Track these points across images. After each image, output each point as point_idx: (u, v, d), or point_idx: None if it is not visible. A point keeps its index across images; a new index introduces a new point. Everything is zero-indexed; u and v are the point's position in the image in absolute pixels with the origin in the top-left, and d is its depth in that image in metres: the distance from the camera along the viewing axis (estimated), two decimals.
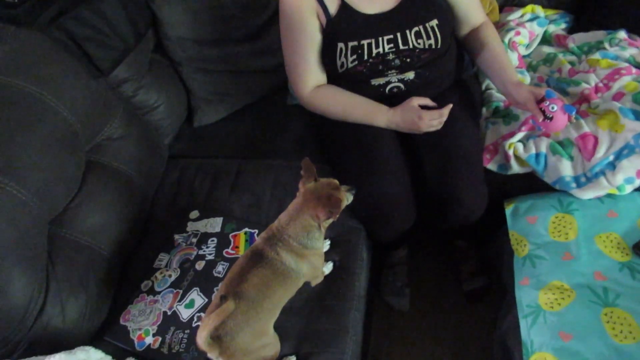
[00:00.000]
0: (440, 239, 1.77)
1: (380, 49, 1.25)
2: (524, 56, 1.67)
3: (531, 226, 1.25)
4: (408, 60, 1.28)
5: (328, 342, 1.11)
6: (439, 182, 1.29)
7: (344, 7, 1.22)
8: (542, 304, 1.10)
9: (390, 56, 1.26)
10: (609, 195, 1.24)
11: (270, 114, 1.70)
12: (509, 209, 1.31)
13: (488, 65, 1.36)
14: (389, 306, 1.66)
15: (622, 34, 1.54)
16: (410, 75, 1.31)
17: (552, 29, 1.71)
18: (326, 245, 1.28)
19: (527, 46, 1.70)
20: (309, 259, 1.09)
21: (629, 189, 1.23)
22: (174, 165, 1.58)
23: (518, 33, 1.64)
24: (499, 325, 1.23)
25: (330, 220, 1.07)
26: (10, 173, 1.05)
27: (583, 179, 1.25)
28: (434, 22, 1.24)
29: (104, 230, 1.27)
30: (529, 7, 1.72)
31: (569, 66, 1.53)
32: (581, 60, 1.55)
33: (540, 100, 1.22)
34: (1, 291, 0.99)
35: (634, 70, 1.40)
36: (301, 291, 1.14)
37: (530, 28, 1.68)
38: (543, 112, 1.20)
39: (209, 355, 0.99)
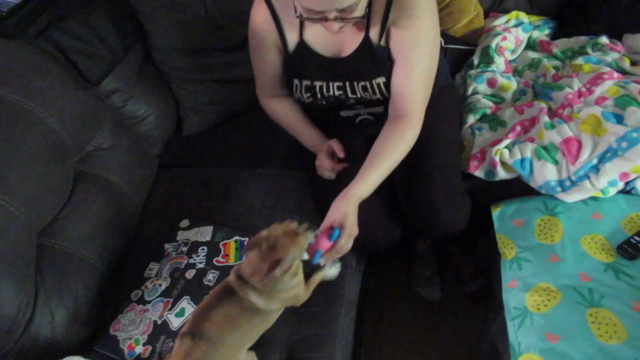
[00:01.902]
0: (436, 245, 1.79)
1: (331, 93, 1.25)
2: (510, 61, 1.70)
3: (517, 229, 1.26)
4: (366, 102, 1.27)
5: (317, 347, 1.12)
6: (415, 197, 1.28)
7: (302, 45, 1.22)
8: (529, 306, 1.11)
9: (343, 98, 1.27)
10: (593, 198, 1.26)
11: (259, 123, 1.69)
12: (495, 213, 1.33)
13: (370, 152, 1.19)
14: (421, 298, 1.69)
15: (603, 39, 1.57)
16: (380, 109, 1.30)
17: (536, 34, 1.74)
18: (336, 267, 1.24)
19: (513, 51, 1.72)
20: (283, 295, 1.06)
21: (612, 191, 1.24)
22: (164, 175, 1.59)
23: (504, 38, 1.67)
24: (488, 327, 1.24)
25: (295, 264, 1.03)
26: None
27: (568, 183, 1.26)
28: (381, 80, 1.21)
29: (93, 240, 1.27)
30: (514, 13, 1.75)
31: (553, 71, 1.56)
32: (565, 65, 1.58)
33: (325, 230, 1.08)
34: None
35: (615, 74, 1.42)
36: (277, 335, 1.12)
37: (516, 33, 1.71)
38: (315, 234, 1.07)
39: None
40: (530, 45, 1.75)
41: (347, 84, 1.24)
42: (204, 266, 1.28)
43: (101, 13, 1.42)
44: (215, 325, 1.00)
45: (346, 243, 1.08)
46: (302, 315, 1.18)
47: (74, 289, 1.18)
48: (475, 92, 1.58)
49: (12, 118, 1.15)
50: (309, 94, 1.27)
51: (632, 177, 1.22)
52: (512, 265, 1.21)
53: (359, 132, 1.35)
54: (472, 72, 1.63)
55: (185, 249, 1.33)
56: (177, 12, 1.53)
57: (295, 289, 1.08)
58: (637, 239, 1.15)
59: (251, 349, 1.08)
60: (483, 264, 1.64)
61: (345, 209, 1.07)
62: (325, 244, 1.05)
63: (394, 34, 1.16)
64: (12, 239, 1.06)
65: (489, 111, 1.51)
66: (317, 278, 1.18)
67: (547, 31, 1.75)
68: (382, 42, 1.17)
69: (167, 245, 1.35)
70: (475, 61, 1.67)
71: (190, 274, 1.27)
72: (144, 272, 1.30)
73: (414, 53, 1.16)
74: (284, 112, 1.36)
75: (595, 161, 1.25)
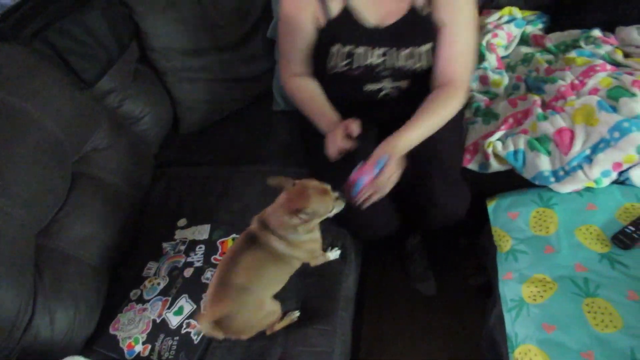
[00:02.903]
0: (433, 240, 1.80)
1: (372, 60, 1.27)
2: (502, 57, 1.71)
3: (513, 222, 1.27)
4: (398, 73, 1.30)
5: (315, 342, 1.12)
6: (415, 187, 1.30)
7: (346, 13, 1.24)
8: (525, 297, 1.11)
9: (380, 68, 1.28)
10: (588, 189, 1.27)
11: (256, 121, 1.72)
12: (490, 206, 1.33)
13: (418, 110, 1.24)
14: (420, 294, 1.71)
15: (596, 32, 1.58)
16: (404, 84, 1.32)
17: (530, 29, 1.75)
18: (335, 254, 1.28)
19: (506, 47, 1.73)
20: (303, 246, 1.12)
21: (606, 181, 1.25)
22: (162, 174, 1.59)
23: (495, 35, 1.68)
24: (487, 319, 1.24)
25: (314, 222, 1.08)
26: None
27: (561, 173, 1.27)
28: (428, 46, 1.25)
29: (91, 240, 1.28)
30: (506, 9, 1.76)
31: (545, 65, 1.57)
32: (558, 58, 1.59)
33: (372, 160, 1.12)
34: None
35: (608, 66, 1.43)
36: (288, 291, 1.15)
37: (508, 30, 1.71)
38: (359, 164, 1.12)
39: (214, 336, 1.08)
40: (524, 40, 1.75)
41: (392, 50, 1.25)
42: (202, 264, 1.29)
43: (96, 13, 1.42)
44: (242, 271, 1.05)
45: (390, 176, 1.10)
46: (300, 310, 1.18)
47: (73, 290, 1.18)
48: (469, 89, 1.59)
49: (9, 120, 1.15)
50: (347, 61, 1.27)
51: (624, 167, 1.23)
52: (507, 257, 1.22)
53: (377, 113, 1.35)
54: None
55: (183, 247, 1.34)
56: (173, 11, 1.54)
57: (311, 243, 1.14)
58: (632, 228, 1.16)
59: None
60: (481, 257, 1.65)
61: (394, 149, 1.12)
62: (368, 173, 1.06)
63: (439, 3, 1.20)
64: (10, 241, 1.06)
65: (482, 104, 1.52)
66: (324, 256, 1.23)
67: (540, 25, 1.76)
68: (429, 9, 1.21)
69: (165, 244, 1.35)
70: None
71: (188, 272, 1.27)
72: (143, 271, 1.30)
73: (459, 21, 1.22)
74: (307, 90, 1.36)
75: (588, 151, 1.26)
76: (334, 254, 1.27)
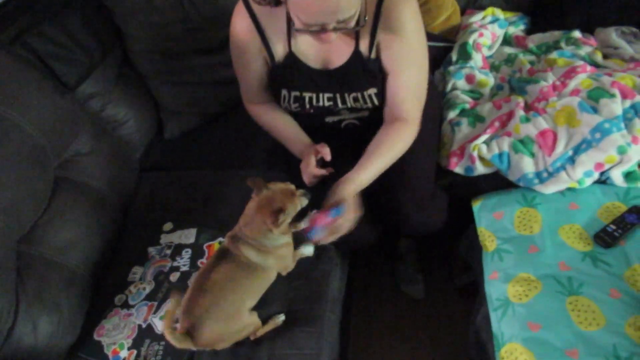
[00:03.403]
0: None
1: (321, 103, 1.25)
2: (487, 57, 1.72)
3: (498, 221, 1.28)
4: (353, 108, 1.28)
5: (303, 345, 1.12)
6: (387, 205, 1.30)
7: (291, 56, 1.20)
8: (510, 297, 1.13)
9: (331, 108, 1.27)
10: (570, 189, 1.28)
11: (240, 124, 1.70)
12: (476, 206, 1.34)
13: (366, 149, 1.21)
14: (407, 295, 1.71)
15: (576, 34, 1.60)
16: (365, 113, 1.30)
17: (512, 30, 1.77)
18: (308, 249, 1.27)
19: (490, 47, 1.75)
20: (275, 253, 1.13)
21: (588, 182, 1.27)
22: (146, 179, 1.58)
23: (481, 34, 1.69)
24: (473, 319, 1.25)
25: (286, 222, 1.09)
26: None
27: (545, 174, 1.29)
28: (372, 91, 1.22)
29: (75, 246, 1.27)
30: (490, 10, 1.78)
31: (528, 66, 1.59)
32: (540, 59, 1.61)
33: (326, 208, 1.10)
34: None
35: (588, 67, 1.45)
36: (274, 294, 1.15)
37: (492, 30, 1.73)
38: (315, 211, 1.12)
39: (185, 347, 1.06)
40: (507, 40, 1.77)
41: (338, 95, 1.24)
42: (188, 268, 1.28)
43: (77, 17, 1.41)
44: (216, 281, 1.06)
45: (346, 222, 1.09)
46: (287, 313, 1.18)
47: (56, 296, 1.17)
48: (454, 88, 1.60)
49: None
50: (297, 104, 1.26)
51: (606, 167, 1.25)
52: (493, 257, 1.23)
53: (343, 137, 1.35)
54: (451, 68, 1.65)
55: (169, 252, 1.32)
56: (155, 14, 1.53)
57: (284, 248, 1.15)
58: (613, 227, 1.17)
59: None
60: (466, 258, 1.66)
61: (346, 191, 1.10)
62: (323, 219, 1.07)
63: (383, 48, 1.16)
64: None
65: (467, 106, 1.53)
66: (296, 253, 1.23)
67: (522, 27, 1.78)
68: (373, 55, 1.17)
69: (150, 249, 1.34)
70: (454, 57, 1.69)
71: (174, 276, 1.26)
72: (128, 276, 1.29)
73: (405, 67, 1.18)
74: (270, 117, 1.34)
75: (570, 152, 1.27)
76: (307, 250, 1.26)
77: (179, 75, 1.64)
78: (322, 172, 1.22)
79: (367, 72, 1.19)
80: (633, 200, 1.24)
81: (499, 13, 1.78)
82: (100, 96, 1.49)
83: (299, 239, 1.22)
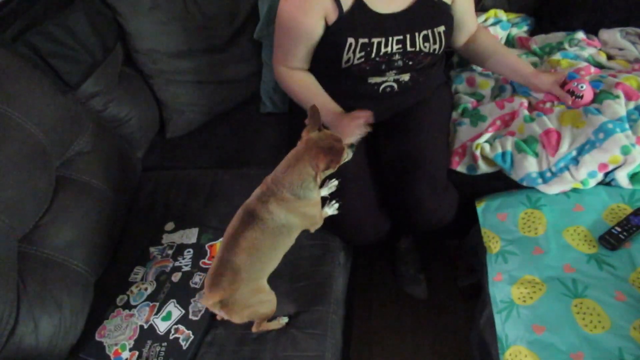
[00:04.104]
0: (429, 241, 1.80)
1: (389, 49, 1.27)
2: None
3: (502, 223, 1.28)
4: (410, 63, 1.32)
5: (306, 347, 1.12)
6: (402, 193, 1.32)
7: (359, 4, 1.24)
8: (515, 299, 1.12)
9: (396, 57, 1.29)
10: (575, 190, 1.28)
11: (243, 123, 1.71)
12: (480, 207, 1.34)
13: (501, 68, 1.46)
14: (410, 296, 1.71)
15: (580, 35, 1.60)
16: (406, 77, 1.35)
17: (515, 31, 1.76)
18: (332, 186, 1.25)
19: None
20: (302, 211, 1.10)
21: (592, 182, 1.27)
22: (148, 178, 1.57)
23: None
24: (477, 321, 1.25)
25: (328, 172, 1.08)
26: None
27: (548, 174, 1.28)
28: (442, 28, 1.29)
29: (76, 245, 1.26)
30: (492, 12, 1.77)
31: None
32: (543, 61, 1.60)
33: (563, 83, 1.31)
34: None
35: (592, 69, 1.45)
36: (278, 295, 1.14)
37: (494, 32, 1.72)
38: (572, 92, 1.31)
39: (215, 312, 1.09)
40: (510, 42, 1.76)
41: (408, 36, 1.27)
42: (190, 269, 1.27)
43: (79, 15, 1.39)
44: (244, 251, 1.05)
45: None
46: (290, 315, 1.18)
47: (58, 296, 1.16)
48: (456, 92, 1.60)
49: None
50: (363, 53, 1.27)
51: (610, 167, 1.25)
52: (497, 258, 1.22)
53: (377, 106, 1.35)
54: (452, 72, 1.66)
55: (170, 252, 1.32)
56: (157, 13, 1.52)
57: (314, 207, 1.13)
58: (618, 229, 1.17)
59: None
60: (469, 259, 1.65)
61: (545, 74, 1.39)
62: (591, 91, 1.31)
63: None
64: None
65: (470, 106, 1.53)
66: (322, 213, 1.21)
67: (525, 28, 1.77)
68: None
69: (152, 249, 1.33)
70: (455, 61, 1.69)
71: (176, 277, 1.26)
72: (129, 276, 1.28)
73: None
74: (306, 80, 1.38)
75: (574, 153, 1.27)
76: (332, 209, 1.24)
77: (182, 75, 1.63)
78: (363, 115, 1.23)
79: (435, 9, 1.28)
80: (638, 202, 1.24)
81: (502, 14, 1.77)
82: (102, 95, 1.48)
83: (322, 200, 1.20)
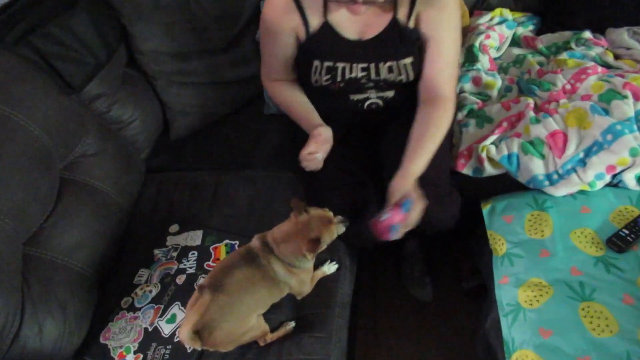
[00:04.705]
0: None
1: (354, 75, 1.26)
2: (495, 58, 1.71)
3: (508, 225, 1.27)
4: (382, 84, 1.29)
5: (311, 350, 1.11)
6: None
7: (326, 27, 1.22)
8: (521, 302, 1.11)
9: (363, 81, 1.28)
10: (582, 192, 1.27)
11: (247, 125, 1.70)
12: (485, 209, 1.33)
13: (410, 136, 1.22)
14: (414, 299, 1.70)
15: (587, 34, 1.58)
16: (390, 93, 1.32)
17: (521, 31, 1.75)
18: (332, 268, 1.28)
19: (498, 49, 1.73)
20: (298, 276, 1.14)
21: (599, 184, 1.25)
22: (152, 180, 1.57)
23: (488, 36, 1.68)
24: (482, 324, 1.24)
25: (320, 250, 1.10)
26: None
27: (555, 176, 1.27)
28: (408, 60, 1.24)
29: (81, 248, 1.26)
30: (498, 11, 1.76)
31: (537, 67, 1.57)
32: (549, 60, 1.59)
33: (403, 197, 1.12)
34: None
35: (599, 69, 1.43)
36: (283, 299, 1.14)
37: (500, 31, 1.72)
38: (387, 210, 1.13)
39: (193, 346, 1.07)
40: (515, 41, 1.75)
41: (372, 65, 1.24)
42: (194, 271, 1.27)
43: (82, 17, 1.39)
44: (236, 282, 1.06)
45: (416, 214, 1.12)
46: (296, 318, 1.18)
47: (62, 299, 1.16)
48: (461, 91, 1.59)
49: None
50: (328, 76, 1.26)
51: (618, 169, 1.23)
52: (503, 261, 1.21)
53: (366, 120, 1.35)
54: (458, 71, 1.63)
55: (175, 254, 1.32)
56: (161, 14, 1.51)
57: (307, 273, 1.17)
58: (626, 231, 1.16)
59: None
60: (475, 261, 1.65)
61: (406, 186, 1.13)
62: (398, 216, 1.09)
63: (424, 16, 1.18)
64: None
65: (476, 107, 1.51)
66: (318, 274, 1.23)
67: (531, 27, 1.76)
68: (411, 24, 1.19)
69: (156, 251, 1.33)
70: (461, 60, 1.68)
71: (180, 279, 1.25)
72: (134, 278, 1.28)
73: (445, 34, 1.20)
74: (286, 93, 1.37)
75: (581, 155, 1.26)
76: (330, 268, 1.27)
77: (185, 76, 1.63)
78: (314, 157, 1.22)
79: (404, 40, 1.21)
80: None
81: (508, 14, 1.76)
82: (105, 97, 1.48)
83: (319, 259, 1.22)
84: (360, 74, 1.26)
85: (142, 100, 1.60)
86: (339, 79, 1.26)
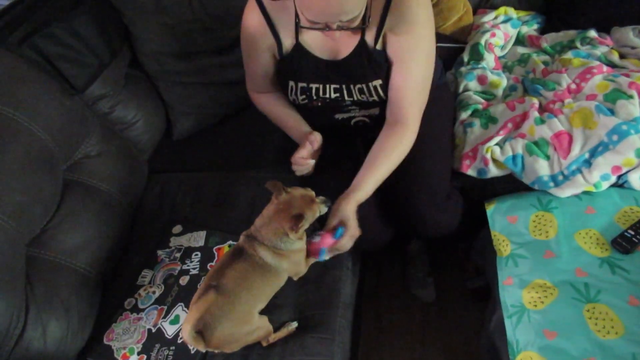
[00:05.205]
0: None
1: (327, 95, 1.25)
2: (499, 57, 1.70)
3: (512, 226, 1.26)
4: (363, 104, 1.27)
5: (314, 351, 1.11)
6: (403, 207, 1.30)
7: (299, 48, 1.21)
8: (525, 303, 1.11)
9: (339, 101, 1.26)
10: (587, 192, 1.26)
11: (249, 125, 1.69)
12: (489, 210, 1.32)
13: (367, 157, 1.20)
14: (418, 299, 1.70)
15: (592, 33, 1.57)
16: (375, 111, 1.29)
17: (525, 30, 1.74)
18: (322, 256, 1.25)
19: (502, 47, 1.72)
20: (289, 258, 1.13)
21: (605, 185, 1.25)
22: (155, 181, 1.57)
23: (493, 34, 1.67)
24: (486, 325, 1.23)
25: (304, 228, 1.09)
26: None
27: (560, 177, 1.26)
28: (377, 83, 1.20)
29: (84, 249, 1.26)
30: (502, 9, 1.75)
31: (542, 66, 1.56)
32: (554, 59, 1.58)
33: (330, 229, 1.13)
34: None
35: (604, 68, 1.42)
36: (286, 299, 1.14)
37: (505, 29, 1.71)
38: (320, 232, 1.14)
39: (196, 347, 1.06)
40: (520, 40, 1.74)
41: (344, 86, 1.23)
42: (198, 272, 1.27)
43: (85, 18, 1.39)
44: (231, 279, 1.06)
45: (348, 242, 1.13)
46: (298, 319, 1.17)
47: (66, 300, 1.16)
48: (466, 89, 1.58)
49: None
50: (304, 96, 1.26)
51: (624, 170, 1.23)
52: (507, 262, 1.21)
53: (355, 135, 1.34)
54: (463, 69, 1.62)
55: (178, 255, 1.31)
56: (164, 15, 1.51)
57: (298, 253, 1.14)
58: (631, 232, 1.15)
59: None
60: (478, 262, 1.64)
61: (347, 211, 1.12)
62: (329, 241, 1.12)
63: (390, 40, 1.15)
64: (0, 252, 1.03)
65: (480, 107, 1.51)
66: (309, 259, 1.21)
67: (535, 26, 1.75)
68: (379, 46, 1.17)
69: (160, 252, 1.33)
70: (465, 58, 1.67)
71: (184, 280, 1.25)
72: (137, 279, 1.28)
73: (411, 59, 1.17)
74: (273, 105, 1.36)
75: (587, 155, 1.25)
76: (321, 256, 1.23)
77: (188, 76, 1.63)
78: (306, 162, 1.23)
79: (372, 62, 1.18)
80: None
81: (512, 12, 1.76)
82: (108, 98, 1.48)
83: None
84: (333, 95, 1.24)
85: (145, 101, 1.61)
86: (314, 98, 1.25)
